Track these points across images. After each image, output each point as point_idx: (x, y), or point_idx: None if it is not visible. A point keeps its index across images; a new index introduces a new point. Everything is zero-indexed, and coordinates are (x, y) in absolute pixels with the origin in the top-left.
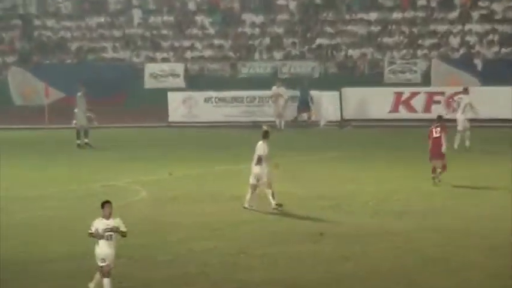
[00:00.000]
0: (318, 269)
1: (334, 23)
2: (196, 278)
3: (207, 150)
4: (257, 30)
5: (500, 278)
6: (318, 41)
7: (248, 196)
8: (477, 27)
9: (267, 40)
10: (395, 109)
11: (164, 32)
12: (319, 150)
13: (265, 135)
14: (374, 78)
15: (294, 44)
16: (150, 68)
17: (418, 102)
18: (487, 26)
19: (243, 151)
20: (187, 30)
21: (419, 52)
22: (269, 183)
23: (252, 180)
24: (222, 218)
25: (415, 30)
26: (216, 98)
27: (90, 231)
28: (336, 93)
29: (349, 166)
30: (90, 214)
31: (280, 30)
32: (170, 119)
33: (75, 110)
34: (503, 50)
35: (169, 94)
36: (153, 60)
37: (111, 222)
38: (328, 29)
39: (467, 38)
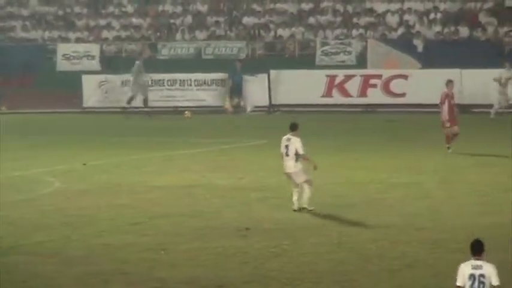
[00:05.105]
0: (245, 266)
1: (262, 1)
2: (112, 276)
3: (124, 137)
4: (179, 9)
5: (446, 277)
6: (245, 20)
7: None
8: (417, 5)
9: (189, 19)
10: (328, 93)
11: (78, 9)
12: (245, 137)
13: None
14: (305, 60)
15: (218, 23)
16: (62, 48)
17: (353, 86)
18: (428, 4)
19: (162, 139)
20: (103, 8)
21: (354, 32)
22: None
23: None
24: (140, 211)
25: (349, 8)
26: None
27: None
28: (263, 76)
29: (277, 155)
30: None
31: (203, 8)
32: (85, 104)
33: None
34: (446, 30)
35: (84, 77)
36: (66, 40)
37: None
38: (256, 7)
39: (407, 16)
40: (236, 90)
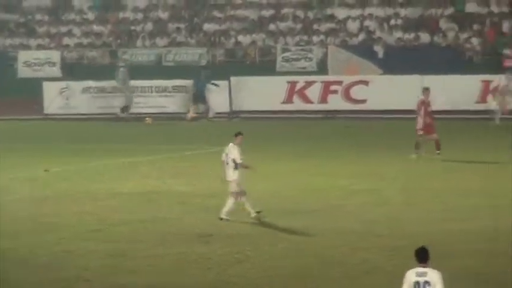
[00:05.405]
0: (208, 272)
1: (223, 7)
2: (74, 283)
3: (86, 144)
4: (139, 15)
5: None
6: (206, 26)
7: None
8: (378, 11)
9: (150, 26)
10: (289, 99)
11: (39, 17)
12: (205, 144)
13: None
14: (266, 67)
15: (179, 29)
16: (23, 55)
17: (313, 92)
18: (389, 10)
19: (123, 145)
20: (64, 15)
21: (315, 38)
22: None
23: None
24: (101, 217)
25: (310, 14)
26: (95, 88)
27: None
28: (224, 83)
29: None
30: None
31: (164, 15)
32: (46, 111)
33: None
34: (407, 36)
35: (45, 84)
36: (27, 47)
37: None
38: (217, 14)
39: (367, 22)
40: (200, 96)
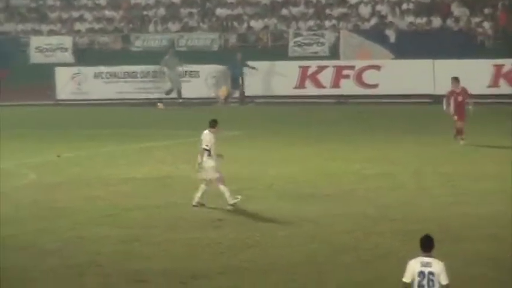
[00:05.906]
0: (218, 257)
1: None
2: (87, 268)
3: (98, 129)
4: (152, 0)
5: None
6: (218, 11)
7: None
8: None
9: (162, 10)
10: (301, 84)
11: (51, 2)
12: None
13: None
14: (278, 51)
15: (191, 14)
16: (36, 41)
17: (326, 76)
18: None
19: (137, 131)
20: (75, 0)
21: (327, 23)
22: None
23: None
24: (113, 202)
25: None
26: (107, 73)
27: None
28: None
29: (251, 146)
30: None
31: None
32: (58, 96)
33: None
34: (419, 20)
35: (57, 69)
36: (39, 33)
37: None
38: None
39: (379, 7)
40: (235, 80)
